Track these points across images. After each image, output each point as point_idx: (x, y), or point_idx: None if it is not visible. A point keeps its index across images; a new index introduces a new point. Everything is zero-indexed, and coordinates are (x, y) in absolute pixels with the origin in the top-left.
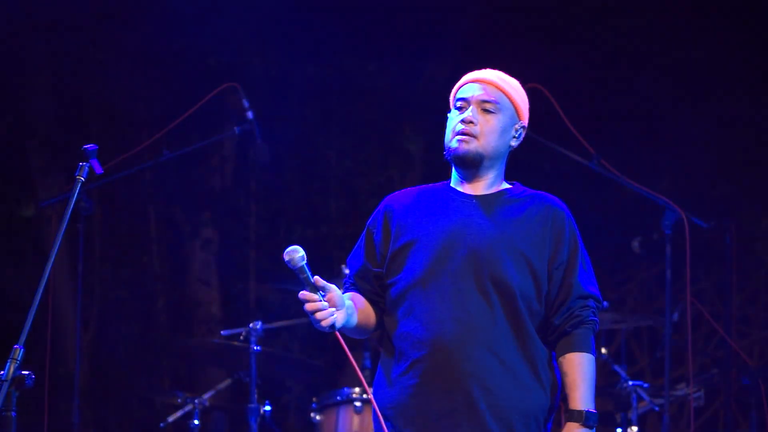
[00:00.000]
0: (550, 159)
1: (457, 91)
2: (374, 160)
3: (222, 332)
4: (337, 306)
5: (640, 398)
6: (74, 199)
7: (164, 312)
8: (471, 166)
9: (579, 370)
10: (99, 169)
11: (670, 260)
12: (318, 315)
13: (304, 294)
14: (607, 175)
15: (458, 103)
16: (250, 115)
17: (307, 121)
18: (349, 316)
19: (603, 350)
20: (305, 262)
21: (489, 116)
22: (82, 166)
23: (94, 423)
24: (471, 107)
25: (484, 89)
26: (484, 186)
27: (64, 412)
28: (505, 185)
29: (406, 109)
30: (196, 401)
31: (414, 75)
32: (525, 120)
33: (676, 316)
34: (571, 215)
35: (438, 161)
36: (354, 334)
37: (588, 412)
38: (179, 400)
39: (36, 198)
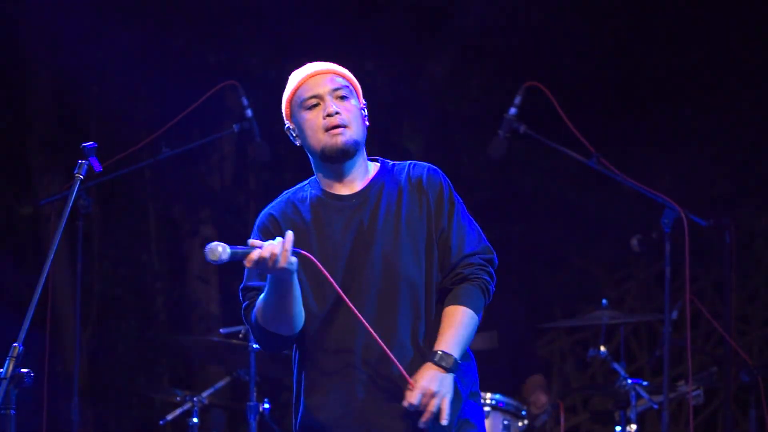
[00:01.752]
0: (549, 157)
1: (296, 93)
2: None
3: (221, 330)
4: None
5: (639, 396)
6: (73, 197)
7: (163, 310)
8: (350, 156)
9: (450, 319)
10: (98, 167)
11: (669, 258)
12: (278, 253)
13: (249, 257)
14: (607, 173)
15: (309, 102)
16: (249, 113)
17: None
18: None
19: (602, 348)
20: (230, 251)
21: (346, 102)
22: (81, 164)
23: (93, 421)
24: (326, 99)
25: (329, 79)
26: (358, 178)
27: (64, 410)
28: (373, 168)
29: (405, 108)
30: (195, 399)
31: (414, 75)
32: (363, 101)
33: (675, 314)
34: (445, 176)
35: (438, 158)
36: (285, 318)
37: (442, 352)
38: (178, 398)
39: (35, 196)
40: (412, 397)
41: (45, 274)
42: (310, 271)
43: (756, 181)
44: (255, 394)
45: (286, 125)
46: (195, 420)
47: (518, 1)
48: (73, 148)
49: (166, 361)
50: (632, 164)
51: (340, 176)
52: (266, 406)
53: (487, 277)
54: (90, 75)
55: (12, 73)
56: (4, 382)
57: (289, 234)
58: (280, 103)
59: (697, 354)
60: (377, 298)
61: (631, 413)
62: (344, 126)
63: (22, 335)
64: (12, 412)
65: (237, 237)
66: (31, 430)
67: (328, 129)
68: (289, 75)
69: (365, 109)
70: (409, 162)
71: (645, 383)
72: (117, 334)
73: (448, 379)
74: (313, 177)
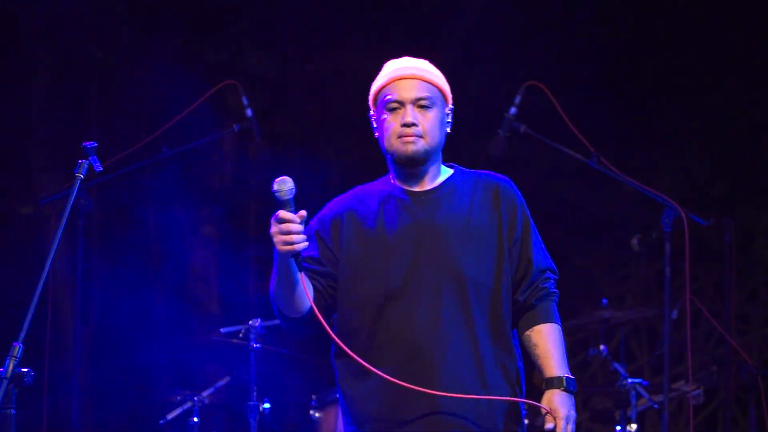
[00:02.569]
0: (549, 157)
1: (382, 90)
2: (374, 157)
3: (221, 330)
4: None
5: (639, 396)
6: (73, 196)
7: (163, 309)
8: (419, 164)
9: (550, 339)
10: (98, 167)
11: (669, 258)
12: (295, 237)
13: (285, 213)
14: (607, 172)
15: (391, 105)
16: (249, 112)
17: (307, 118)
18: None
19: (602, 348)
20: (292, 196)
21: (426, 112)
22: (81, 163)
23: (94, 420)
24: (407, 107)
25: (414, 86)
26: (429, 179)
27: (64, 410)
28: (446, 172)
29: None
30: (195, 399)
31: None
32: (451, 101)
33: (675, 314)
34: (517, 188)
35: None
36: (287, 301)
37: (567, 377)
38: (178, 398)
39: (35, 196)
40: (561, 429)
41: (45, 274)
42: (371, 258)
43: (756, 180)
44: (255, 393)
45: (370, 112)
46: (195, 419)
47: (517, 0)
48: (73, 148)
49: (166, 361)
50: (632, 164)
51: (413, 175)
52: (266, 405)
53: (558, 292)
54: (90, 74)
55: (12, 72)
56: (5, 382)
57: (303, 244)
58: (280, 103)
59: (696, 353)
60: (434, 294)
61: (632, 413)
62: (418, 136)
63: (22, 334)
64: (12, 411)
65: (237, 237)
66: (31, 430)
67: (401, 136)
68: (290, 75)
69: (450, 114)
70: (483, 171)
71: (645, 383)
72: (117, 334)
73: (573, 400)
74: (387, 175)
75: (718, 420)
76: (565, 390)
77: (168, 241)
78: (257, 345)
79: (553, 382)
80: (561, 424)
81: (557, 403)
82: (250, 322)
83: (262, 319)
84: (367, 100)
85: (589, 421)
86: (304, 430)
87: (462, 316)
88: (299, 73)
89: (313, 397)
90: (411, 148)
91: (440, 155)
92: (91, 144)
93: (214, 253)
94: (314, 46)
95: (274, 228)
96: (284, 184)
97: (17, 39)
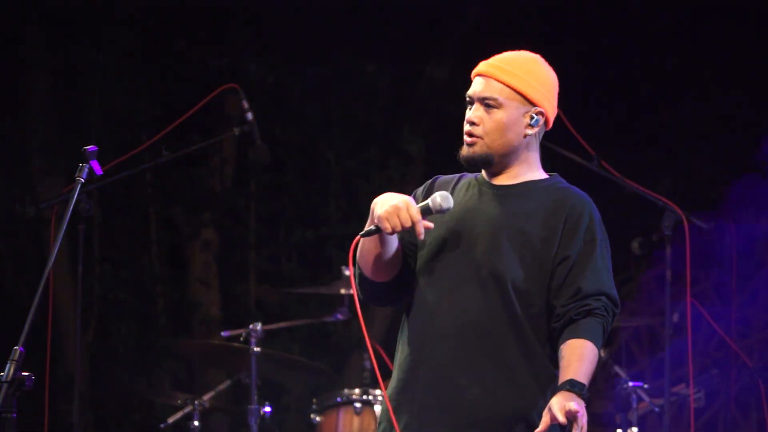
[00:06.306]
0: (549, 160)
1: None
2: (374, 160)
3: (222, 333)
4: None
5: (640, 399)
6: (74, 200)
7: (164, 313)
8: (482, 166)
9: (576, 353)
10: (99, 170)
11: (670, 261)
12: (401, 228)
13: (418, 212)
14: (607, 176)
15: (467, 99)
16: (249, 116)
17: (307, 121)
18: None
19: (602, 351)
20: (432, 212)
21: (491, 112)
22: (81, 167)
23: (94, 424)
24: (475, 104)
25: (485, 84)
26: (508, 177)
27: (64, 414)
28: (539, 176)
29: (405, 110)
30: (196, 402)
31: (414, 76)
32: (542, 105)
33: (676, 317)
34: (595, 211)
35: (438, 160)
36: (376, 265)
37: (573, 380)
38: (179, 402)
39: (36, 199)
40: (549, 417)
41: (46, 277)
42: (430, 237)
43: (756, 183)
44: (256, 397)
45: None
46: (196, 423)
47: (517, 2)
48: (74, 151)
49: (166, 365)
50: (633, 167)
51: (489, 173)
52: (267, 409)
53: (611, 319)
54: (91, 78)
55: (13, 75)
56: (5, 386)
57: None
58: (279, 107)
59: (697, 357)
60: (465, 288)
61: (633, 416)
62: (476, 136)
63: (22, 338)
64: (13, 415)
65: (238, 240)
66: None
67: (465, 134)
68: (290, 78)
69: (537, 117)
70: (573, 187)
71: (646, 386)
72: (118, 338)
73: (583, 403)
74: None
75: (719, 423)
76: (571, 390)
77: (169, 244)
78: (258, 348)
79: (562, 386)
80: (555, 413)
81: (552, 400)
82: (251, 326)
83: (263, 323)
84: (367, 103)
85: (589, 425)
86: None
87: (484, 312)
88: (299, 76)
89: (314, 400)
90: (467, 151)
91: (527, 157)
92: (91, 147)
93: (215, 256)
94: (314, 49)
95: (401, 208)
96: (446, 202)
97: (18, 42)
